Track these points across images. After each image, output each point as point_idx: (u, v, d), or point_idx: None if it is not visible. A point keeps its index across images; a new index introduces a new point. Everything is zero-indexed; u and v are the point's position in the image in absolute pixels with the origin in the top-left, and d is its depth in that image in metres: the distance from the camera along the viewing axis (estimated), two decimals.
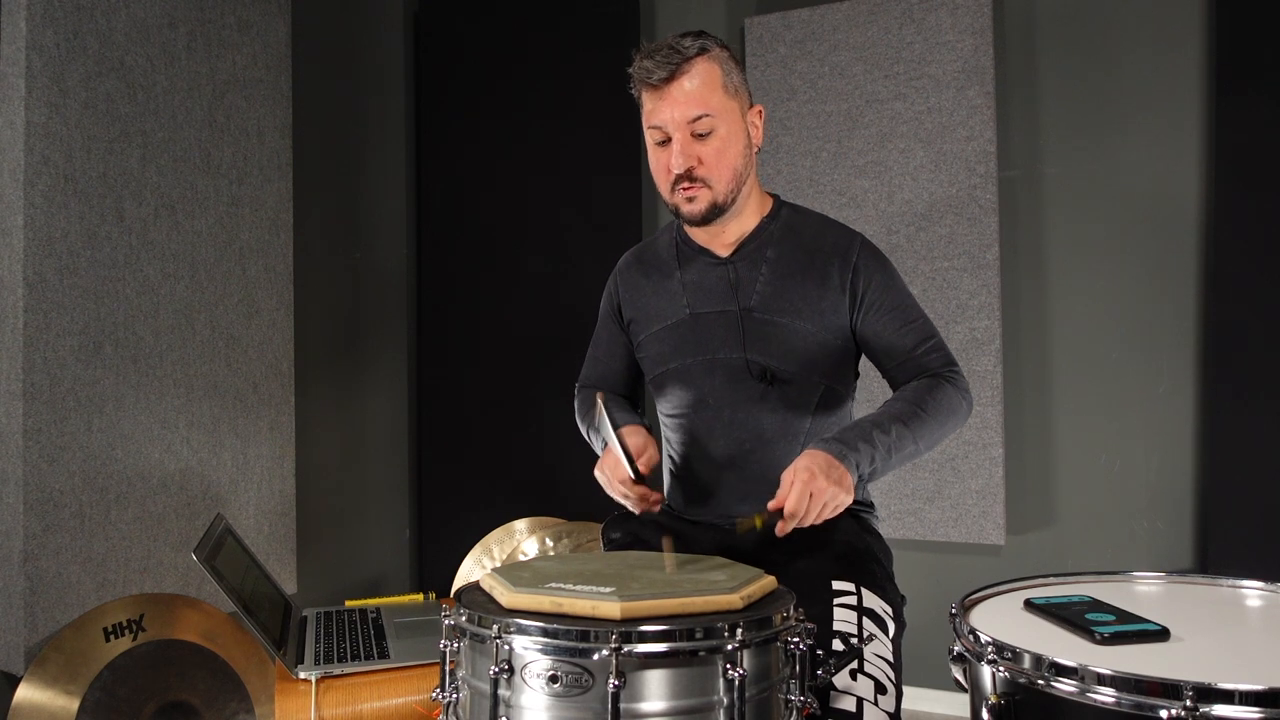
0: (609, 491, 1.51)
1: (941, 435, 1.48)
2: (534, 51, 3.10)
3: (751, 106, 1.54)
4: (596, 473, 1.52)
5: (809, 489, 1.29)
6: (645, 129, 1.51)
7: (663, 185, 1.52)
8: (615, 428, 1.43)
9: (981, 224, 2.56)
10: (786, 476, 1.32)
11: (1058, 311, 2.58)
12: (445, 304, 3.20)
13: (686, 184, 1.48)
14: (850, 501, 1.35)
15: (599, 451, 1.64)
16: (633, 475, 1.43)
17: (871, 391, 1.72)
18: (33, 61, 2.13)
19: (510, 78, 3.13)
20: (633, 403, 1.77)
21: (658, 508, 1.48)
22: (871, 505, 1.63)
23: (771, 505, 1.32)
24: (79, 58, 2.24)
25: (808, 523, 1.31)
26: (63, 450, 2.19)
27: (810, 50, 2.77)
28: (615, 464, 1.45)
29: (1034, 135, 2.60)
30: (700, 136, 1.46)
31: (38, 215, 2.14)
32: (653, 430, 1.56)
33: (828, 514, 1.32)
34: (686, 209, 1.51)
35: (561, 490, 2.90)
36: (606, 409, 1.43)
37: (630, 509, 1.50)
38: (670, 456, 1.68)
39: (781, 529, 1.31)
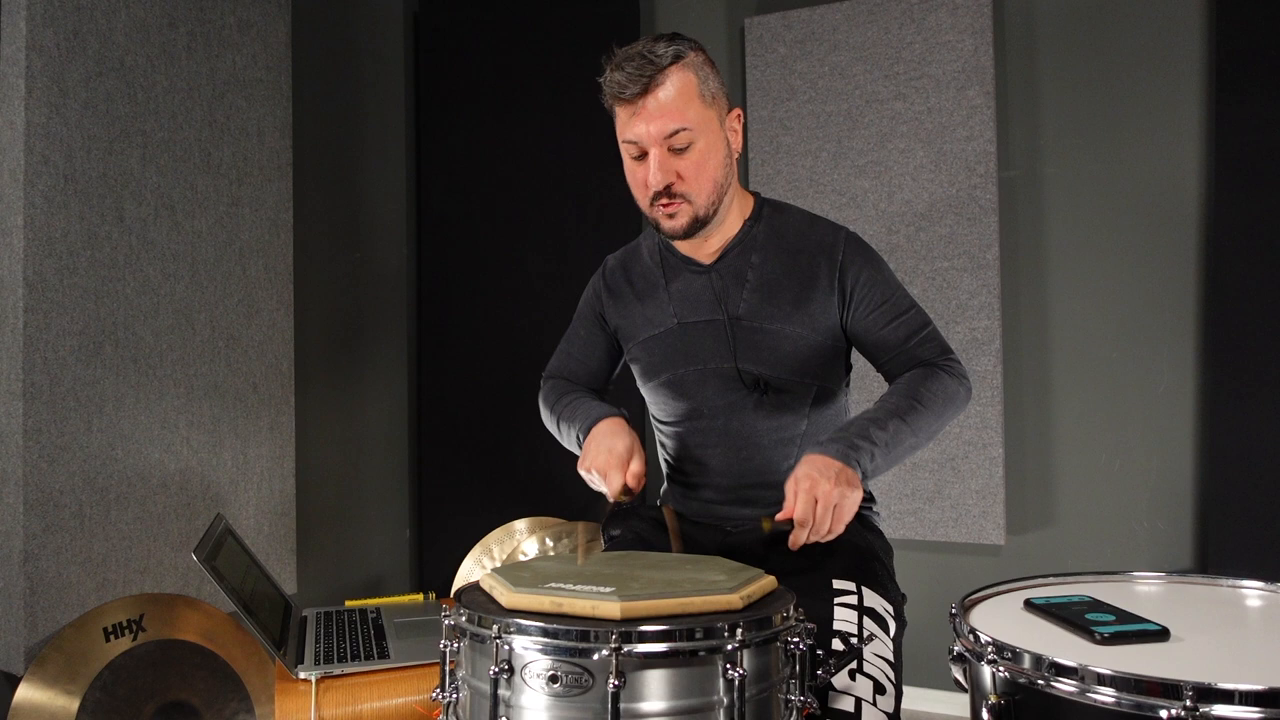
0: (591, 485, 1.47)
1: (940, 425, 1.44)
2: (534, 51, 3.10)
3: (730, 110, 1.48)
4: (582, 471, 1.46)
5: (813, 495, 1.27)
6: (620, 143, 1.45)
7: (641, 200, 1.47)
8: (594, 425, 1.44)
9: (981, 224, 2.56)
10: (789, 487, 1.30)
11: (1058, 311, 2.58)
12: (445, 304, 3.20)
13: (665, 200, 1.42)
14: (861, 498, 1.31)
15: (565, 443, 1.61)
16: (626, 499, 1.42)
17: (867, 382, 1.72)
18: (33, 61, 2.13)
19: (510, 78, 3.12)
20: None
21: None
22: (872, 498, 1.61)
23: (780, 516, 1.29)
24: (79, 58, 2.24)
25: (824, 530, 1.28)
26: (63, 450, 2.19)
27: (810, 50, 2.77)
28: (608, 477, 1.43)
29: (1034, 135, 2.60)
30: (678, 151, 1.40)
31: (38, 215, 2.14)
32: (631, 421, 1.51)
33: (844, 516, 1.29)
34: (667, 225, 1.45)
35: (561, 490, 2.89)
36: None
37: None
38: (666, 462, 1.66)
39: (795, 540, 1.28)
